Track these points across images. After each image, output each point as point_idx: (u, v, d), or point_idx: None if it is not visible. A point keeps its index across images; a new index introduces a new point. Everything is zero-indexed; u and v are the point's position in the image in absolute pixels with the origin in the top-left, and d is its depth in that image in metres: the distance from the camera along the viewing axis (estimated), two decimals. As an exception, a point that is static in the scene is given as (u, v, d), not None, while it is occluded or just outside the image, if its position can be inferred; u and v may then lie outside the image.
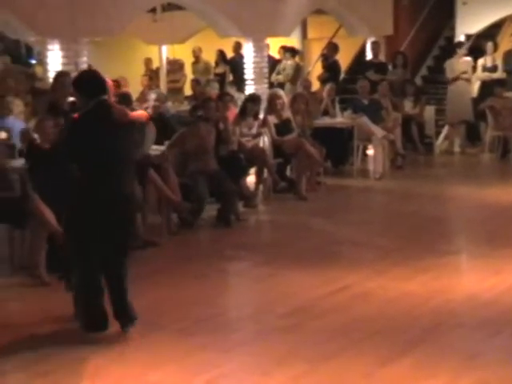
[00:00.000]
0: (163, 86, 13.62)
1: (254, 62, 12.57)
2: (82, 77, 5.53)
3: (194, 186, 8.43)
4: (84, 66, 9.98)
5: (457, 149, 13.66)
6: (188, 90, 14.42)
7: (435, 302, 5.91)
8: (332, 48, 14.22)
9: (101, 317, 5.27)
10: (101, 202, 5.14)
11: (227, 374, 4.71)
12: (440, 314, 5.66)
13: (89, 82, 5.32)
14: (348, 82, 14.45)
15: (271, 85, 13.23)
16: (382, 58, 14.50)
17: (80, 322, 5.31)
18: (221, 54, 14.82)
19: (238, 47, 14.20)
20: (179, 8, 13.12)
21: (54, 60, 9.84)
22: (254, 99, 10.27)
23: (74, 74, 9.18)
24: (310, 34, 17.10)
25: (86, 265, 5.21)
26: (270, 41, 13.00)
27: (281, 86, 13.35)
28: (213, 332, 5.34)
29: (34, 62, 15.49)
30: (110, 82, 7.94)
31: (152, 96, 9.73)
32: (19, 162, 7.61)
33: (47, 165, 6.95)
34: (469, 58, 13.63)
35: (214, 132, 8.91)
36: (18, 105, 9.36)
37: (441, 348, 5.01)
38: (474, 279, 6.63)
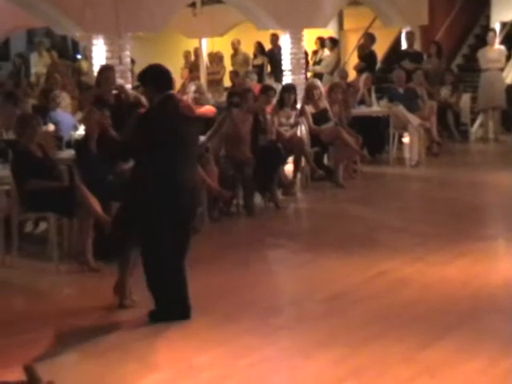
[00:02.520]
0: (203, 78, 13.81)
1: (292, 53, 12.72)
2: (148, 71, 5.30)
3: (222, 173, 8.46)
4: (127, 60, 10.23)
5: (491, 135, 13.65)
6: (227, 82, 14.58)
7: (473, 286, 5.94)
8: (368, 38, 14.25)
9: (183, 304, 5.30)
10: (169, 192, 5.05)
11: (269, 358, 4.79)
12: (478, 298, 5.68)
13: (156, 76, 5.16)
14: (384, 72, 14.51)
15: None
16: (417, 47, 14.53)
17: (157, 310, 5.31)
18: (259, 46, 14.92)
19: (275, 39, 14.30)
20: (218, 2, 13.29)
21: (99, 55, 10.09)
22: (288, 89, 10.36)
23: (118, 68, 9.48)
24: (347, 25, 17.15)
25: (162, 253, 5.21)
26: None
27: (318, 76, 13.45)
28: (255, 317, 5.44)
29: (79, 57, 15.82)
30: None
31: (192, 88, 9.87)
32: (67, 153, 7.86)
33: (94, 160, 7.19)
34: (502, 47, 13.54)
35: (250, 121, 8.95)
36: (64, 98, 9.62)
37: (479, 332, 5.02)
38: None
